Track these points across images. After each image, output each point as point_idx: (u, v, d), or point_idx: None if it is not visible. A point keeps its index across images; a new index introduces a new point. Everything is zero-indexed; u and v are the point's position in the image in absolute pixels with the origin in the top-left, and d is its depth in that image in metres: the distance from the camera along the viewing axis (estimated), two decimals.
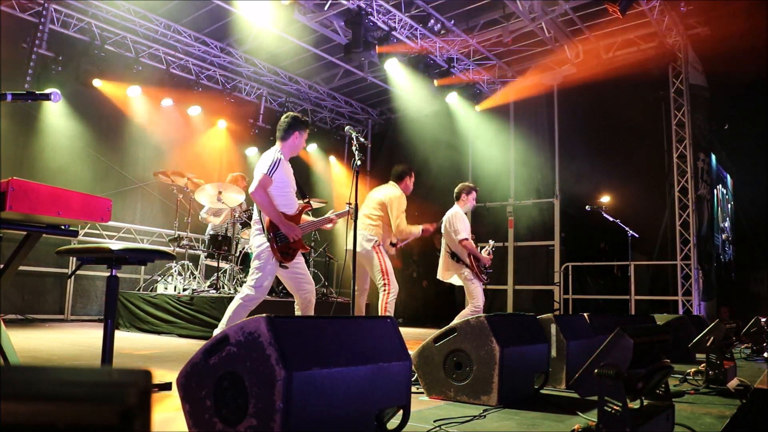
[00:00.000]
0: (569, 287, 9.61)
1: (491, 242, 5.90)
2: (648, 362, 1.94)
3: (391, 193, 5.04)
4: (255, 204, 3.78)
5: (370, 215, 4.96)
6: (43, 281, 8.01)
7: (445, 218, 5.62)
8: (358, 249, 4.74)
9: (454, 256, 5.49)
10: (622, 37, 9.38)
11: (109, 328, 2.34)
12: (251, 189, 3.70)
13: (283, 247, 3.72)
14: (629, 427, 1.66)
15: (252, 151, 10.89)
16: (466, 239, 5.43)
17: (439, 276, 5.68)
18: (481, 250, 5.66)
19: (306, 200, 4.15)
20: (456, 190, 5.76)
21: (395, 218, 4.93)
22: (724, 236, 11.53)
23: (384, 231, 4.98)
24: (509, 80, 10.75)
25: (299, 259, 3.90)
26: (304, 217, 4.05)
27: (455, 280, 5.62)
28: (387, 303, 4.72)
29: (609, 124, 9.19)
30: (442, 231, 5.58)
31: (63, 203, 2.18)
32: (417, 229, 5.05)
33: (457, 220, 5.50)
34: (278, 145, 3.87)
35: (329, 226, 4.27)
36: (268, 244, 3.71)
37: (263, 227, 3.74)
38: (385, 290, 4.74)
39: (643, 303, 9.03)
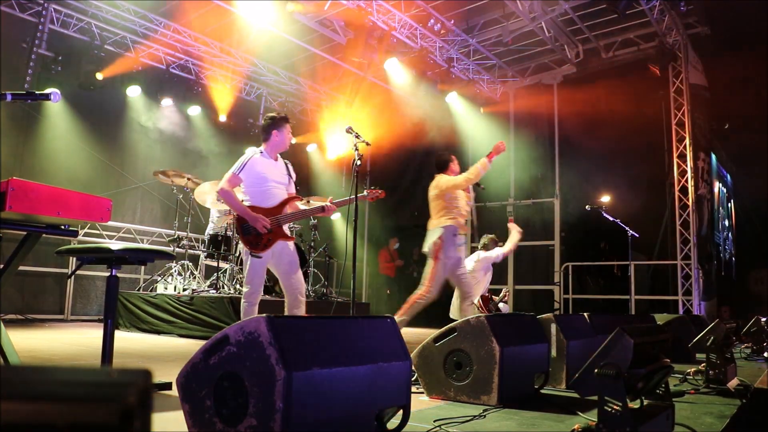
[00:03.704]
0: (569, 287, 9.60)
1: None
2: (648, 362, 1.94)
3: (437, 182, 4.88)
4: None
5: (432, 213, 4.85)
6: (43, 281, 8.00)
7: None
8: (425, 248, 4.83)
9: None
10: (622, 37, 9.38)
11: (109, 328, 2.34)
12: (217, 187, 3.93)
13: (252, 238, 3.77)
14: (629, 427, 1.66)
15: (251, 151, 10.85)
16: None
17: None
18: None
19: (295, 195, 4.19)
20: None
21: (456, 178, 4.75)
22: (724, 233, 11.52)
23: (454, 215, 4.77)
24: (509, 80, 10.75)
25: (287, 255, 3.86)
26: (299, 206, 4.13)
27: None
28: (416, 300, 4.67)
29: (609, 124, 9.18)
30: None
31: (63, 203, 2.18)
32: (482, 161, 4.73)
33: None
34: (262, 145, 4.07)
35: (326, 213, 4.09)
36: None
37: None
38: (422, 290, 4.74)
39: (643, 303, 9.02)
